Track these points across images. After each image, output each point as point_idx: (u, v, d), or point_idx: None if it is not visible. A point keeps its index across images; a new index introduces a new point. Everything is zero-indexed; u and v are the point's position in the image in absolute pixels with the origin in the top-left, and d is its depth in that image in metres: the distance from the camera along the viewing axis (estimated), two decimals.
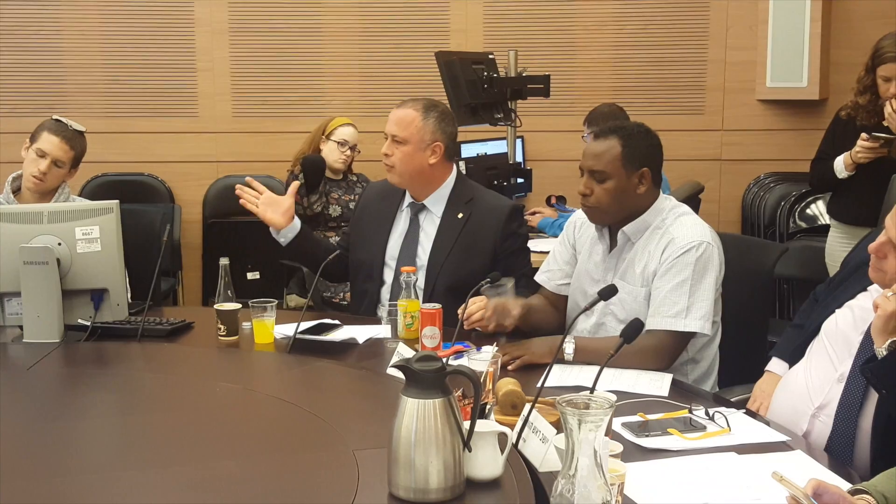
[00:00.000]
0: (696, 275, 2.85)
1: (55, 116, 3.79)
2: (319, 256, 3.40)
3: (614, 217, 2.97)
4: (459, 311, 2.94)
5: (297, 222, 3.50)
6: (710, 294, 2.86)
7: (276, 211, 3.44)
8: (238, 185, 3.48)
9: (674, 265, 2.87)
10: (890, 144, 4.20)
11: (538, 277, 3.26)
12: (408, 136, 3.40)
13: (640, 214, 2.97)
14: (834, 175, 4.41)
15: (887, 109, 4.16)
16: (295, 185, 3.55)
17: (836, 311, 2.57)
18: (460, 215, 3.45)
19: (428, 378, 1.88)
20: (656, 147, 3.01)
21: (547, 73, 4.96)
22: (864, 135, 4.24)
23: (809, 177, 4.70)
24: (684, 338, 2.86)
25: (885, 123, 4.21)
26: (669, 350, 2.84)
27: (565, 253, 3.20)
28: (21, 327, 3.14)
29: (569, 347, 2.82)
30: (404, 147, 3.40)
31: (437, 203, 3.49)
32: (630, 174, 2.92)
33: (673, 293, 2.85)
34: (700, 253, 2.86)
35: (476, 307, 3.05)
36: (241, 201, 3.47)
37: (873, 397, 2.31)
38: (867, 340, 2.36)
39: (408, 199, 3.54)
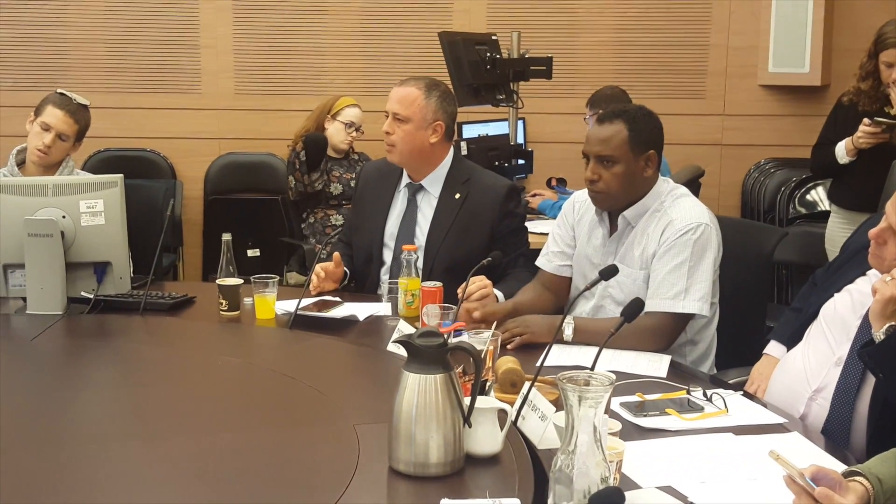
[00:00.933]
0: (695, 256, 2.86)
1: (59, 90, 3.80)
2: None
3: (622, 201, 2.97)
4: (459, 290, 2.96)
5: (346, 279, 3.53)
6: (709, 276, 2.88)
7: (331, 281, 3.43)
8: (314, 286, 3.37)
9: (672, 247, 2.88)
10: (892, 130, 4.21)
11: (538, 261, 3.26)
12: (410, 114, 3.41)
13: (642, 198, 2.98)
14: (835, 160, 4.42)
15: (893, 94, 4.16)
16: (336, 258, 3.46)
17: (835, 295, 2.58)
18: (457, 195, 3.46)
19: (430, 353, 1.90)
20: (659, 129, 3.02)
21: (549, 55, 4.96)
22: (866, 120, 4.25)
23: (810, 162, 4.71)
24: (683, 319, 2.88)
25: (887, 110, 4.22)
26: (668, 331, 2.86)
27: (565, 235, 3.20)
28: (24, 299, 3.16)
29: (568, 329, 2.83)
30: (406, 126, 3.41)
31: (434, 183, 3.50)
32: (637, 157, 2.92)
33: (671, 275, 2.86)
34: (699, 235, 2.88)
35: (476, 286, 3.06)
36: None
37: (870, 381, 2.33)
38: (865, 324, 2.38)
39: (405, 180, 3.55)
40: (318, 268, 3.34)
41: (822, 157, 4.52)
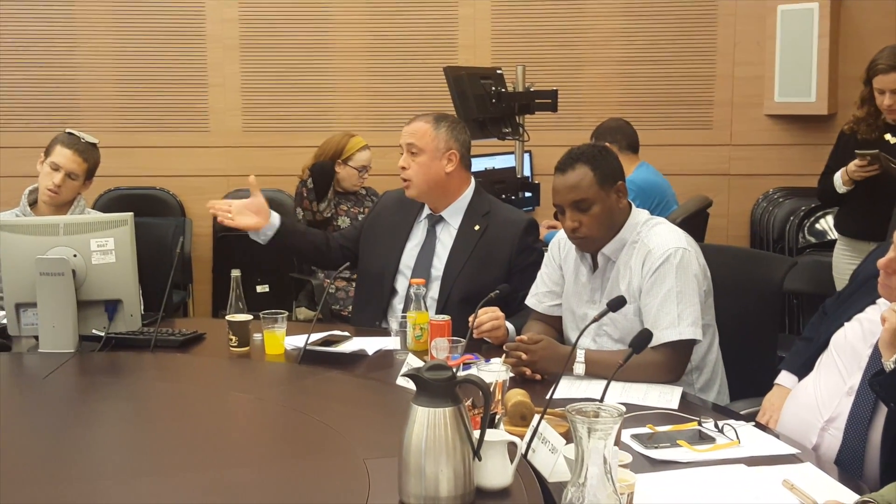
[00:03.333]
0: (679, 282, 2.86)
1: (68, 130, 3.83)
2: (307, 247, 3.52)
3: (605, 240, 2.98)
4: (470, 319, 2.96)
5: (274, 218, 3.53)
6: (695, 299, 2.88)
7: (249, 214, 3.48)
8: (209, 203, 3.49)
9: (655, 277, 2.88)
10: (878, 160, 4.21)
11: (528, 301, 3.26)
12: (423, 145, 3.44)
13: (618, 233, 2.98)
14: (835, 193, 4.44)
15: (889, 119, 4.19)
16: (253, 179, 3.54)
17: (845, 324, 2.58)
18: (477, 227, 3.49)
19: (438, 387, 1.90)
20: (616, 158, 3.04)
21: (555, 88, 4.98)
22: (856, 152, 4.27)
23: (816, 191, 4.72)
24: (686, 346, 2.87)
25: (887, 138, 4.23)
26: (676, 361, 2.86)
27: (553, 274, 3.20)
28: (36, 337, 3.17)
29: (578, 368, 2.83)
30: (420, 157, 3.44)
31: (454, 215, 3.52)
32: (609, 192, 2.93)
33: (663, 305, 2.86)
34: (678, 260, 2.88)
35: (487, 317, 3.07)
36: (218, 219, 3.49)
37: (883, 410, 2.32)
38: (876, 353, 2.37)
39: (426, 211, 3.57)
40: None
41: (825, 186, 4.54)
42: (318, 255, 3.71)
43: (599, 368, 2.78)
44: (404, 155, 3.47)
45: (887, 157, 4.19)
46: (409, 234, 3.57)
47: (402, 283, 3.51)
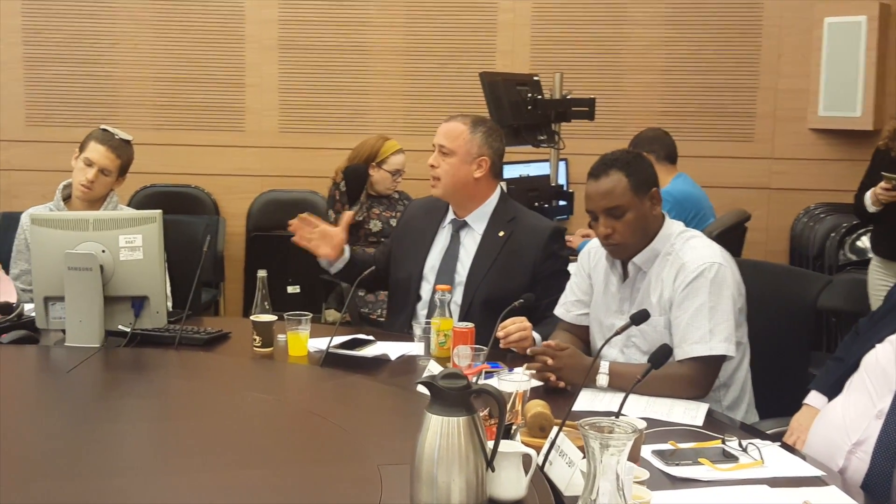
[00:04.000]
0: (713, 297, 2.82)
1: (103, 126, 3.85)
2: (360, 272, 3.41)
3: (640, 247, 2.94)
4: (496, 329, 2.94)
5: (346, 253, 3.55)
6: (730, 315, 2.83)
7: (329, 244, 3.50)
8: (292, 222, 3.51)
9: (688, 291, 2.84)
10: None
11: (557, 310, 3.22)
12: (455, 147, 3.43)
13: (650, 242, 2.94)
14: (867, 211, 4.36)
15: None
16: (348, 216, 3.57)
17: (877, 345, 2.52)
18: (501, 233, 3.46)
19: (452, 396, 1.88)
20: (651, 165, 3.01)
21: (593, 97, 4.94)
22: (883, 174, 4.19)
23: (853, 207, 4.64)
24: (715, 362, 2.83)
25: None
26: (703, 377, 2.81)
27: (582, 283, 3.17)
28: (63, 331, 3.19)
29: (601, 379, 2.79)
30: (450, 159, 3.43)
31: (479, 220, 3.50)
32: (643, 199, 2.90)
33: (694, 319, 2.82)
34: (713, 274, 2.83)
35: (515, 327, 3.04)
36: (295, 238, 3.50)
37: None
38: None
39: (450, 216, 3.56)
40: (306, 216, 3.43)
41: (859, 203, 4.46)
42: (366, 278, 3.59)
43: (623, 381, 2.74)
44: (435, 153, 3.46)
45: None
46: (434, 239, 3.56)
47: (426, 289, 3.50)
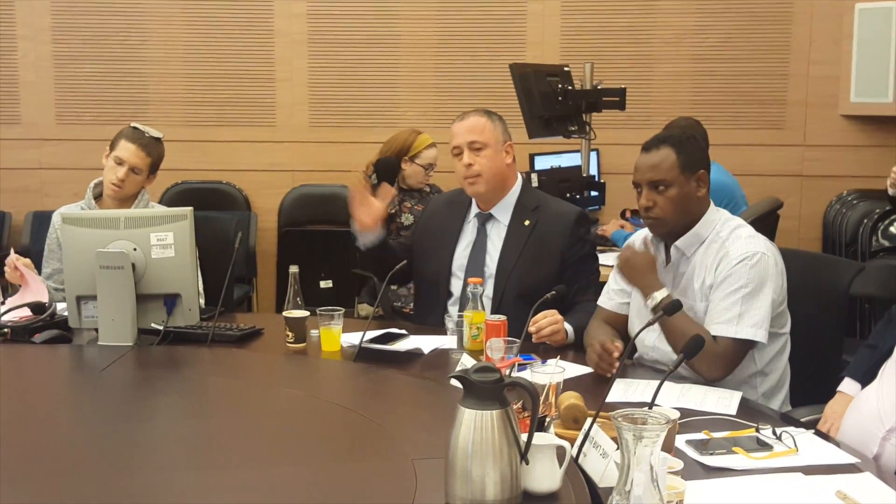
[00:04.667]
0: (752, 283, 2.81)
1: (133, 124, 3.86)
2: (390, 266, 3.41)
3: (678, 226, 2.93)
4: (530, 325, 2.95)
5: (381, 232, 3.54)
6: (766, 303, 2.82)
7: (367, 212, 3.48)
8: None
9: (728, 276, 2.83)
10: None
11: (600, 300, 3.22)
12: (486, 139, 3.43)
13: (695, 224, 2.93)
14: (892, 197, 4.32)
15: None
16: (388, 190, 3.56)
17: None
18: (527, 223, 3.45)
19: (485, 389, 1.87)
20: (704, 149, 3.03)
21: (623, 86, 4.92)
22: None
23: (887, 194, 4.60)
24: (741, 346, 2.81)
25: None
26: (725, 357, 2.79)
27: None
28: (96, 330, 3.21)
29: (660, 294, 2.84)
30: (485, 151, 3.42)
31: (503, 211, 3.49)
32: (689, 179, 2.90)
33: (725, 301, 2.82)
34: (754, 263, 2.82)
35: (547, 321, 3.05)
36: (351, 191, 3.51)
37: None
38: None
39: (474, 210, 3.55)
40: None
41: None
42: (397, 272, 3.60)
43: (672, 329, 2.79)
44: (466, 153, 3.43)
45: None
46: (460, 235, 3.55)
47: (456, 286, 3.49)
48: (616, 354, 2.82)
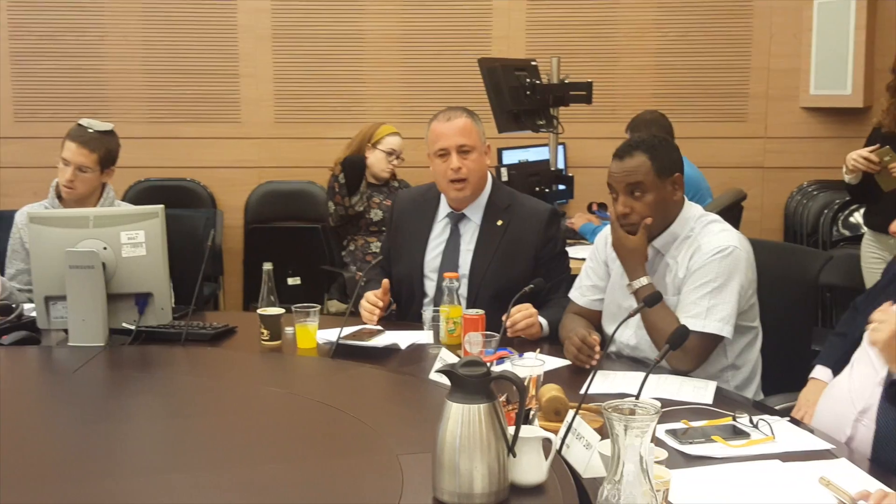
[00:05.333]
0: (720, 277, 2.83)
1: (80, 121, 3.79)
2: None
3: (657, 230, 2.95)
4: (504, 318, 2.95)
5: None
6: (734, 298, 2.84)
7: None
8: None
9: (699, 269, 2.86)
10: (885, 155, 4.13)
11: (572, 294, 3.24)
12: (473, 142, 3.39)
13: (670, 226, 2.96)
14: (849, 185, 4.38)
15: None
16: (386, 284, 3.42)
17: None
18: (500, 222, 3.45)
19: (473, 383, 1.88)
20: (676, 150, 3.02)
21: (589, 80, 4.95)
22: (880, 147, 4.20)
23: (845, 184, 4.65)
24: (707, 340, 2.84)
25: None
26: (693, 350, 2.80)
27: (598, 269, 3.17)
28: (66, 331, 3.16)
29: (642, 280, 2.86)
30: (473, 154, 3.39)
31: (476, 211, 3.48)
32: (664, 182, 2.91)
33: (695, 294, 2.84)
34: (725, 257, 2.85)
35: (521, 315, 3.06)
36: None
37: None
38: None
39: (444, 210, 3.53)
40: (372, 297, 3.32)
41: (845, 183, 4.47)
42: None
43: (651, 318, 2.82)
44: (454, 156, 3.37)
45: (886, 154, 4.12)
46: (429, 235, 3.52)
47: (430, 287, 3.48)
48: (598, 347, 2.84)
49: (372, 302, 3.32)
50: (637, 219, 2.91)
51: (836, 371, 2.66)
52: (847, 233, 5.73)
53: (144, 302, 3.19)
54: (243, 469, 2.13)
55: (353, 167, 4.92)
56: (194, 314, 3.30)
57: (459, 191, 3.41)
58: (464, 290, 3.39)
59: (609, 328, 3.06)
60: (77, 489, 2.02)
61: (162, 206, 3.23)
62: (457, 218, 3.50)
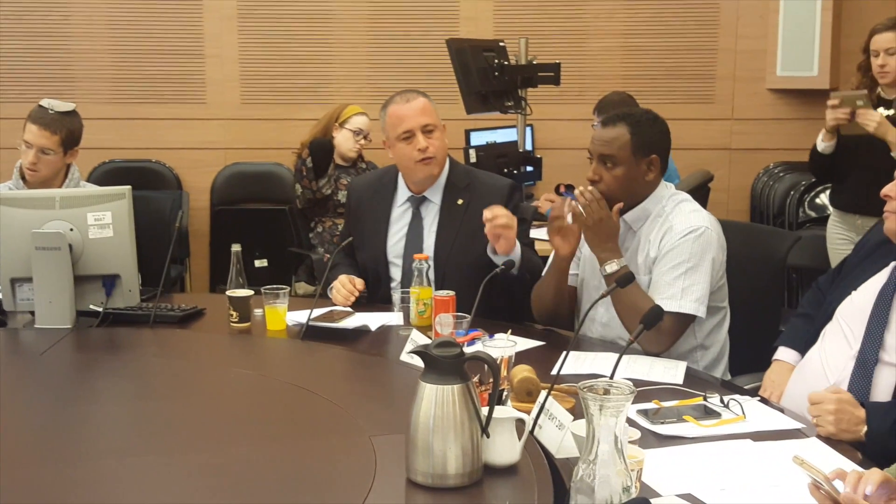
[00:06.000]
0: (693, 258, 2.85)
1: (41, 102, 3.74)
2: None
3: (619, 202, 2.94)
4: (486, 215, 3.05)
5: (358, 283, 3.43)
6: (706, 278, 2.86)
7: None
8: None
9: (671, 250, 2.87)
10: (849, 103, 4.19)
11: (545, 273, 3.23)
12: (436, 121, 3.40)
13: (642, 202, 2.96)
14: (820, 155, 4.41)
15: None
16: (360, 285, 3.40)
17: (853, 293, 2.57)
18: (460, 202, 3.43)
19: (447, 364, 1.88)
20: (665, 134, 3.01)
21: (557, 62, 4.94)
22: (831, 94, 4.25)
23: (808, 165, 4.68)
24: (682, 320, 2.85)
25: (882, 112, 4.20)
26: (666, 331, 2.81)
27: None
28: (32, 313, 3.13)
29: (612, 266, 2.85)
30: (436, 133, 3.40)
31: (435, 192, 3.46)
32: (639, 161, 2.92)
33: (667, 275, 2.85)
34: (697, 237, 2.86)
35: (505, 213, 3.12)
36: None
37: (883, 370, 2.35)
38: (875, 315, 2.40)
39: (404, 193, 3.50)
40: (348, 283, 3.31)
41: (814, 156, 4.50)
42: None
43: (624, 298, 2.80)
44: (420, 136, 3.36)
45: (861, 97, 4.17)
46: (389, 220, 3.49)
47: (396, 273, 3.45)
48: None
49: (348, 289, 3.30)
50: (603, 188, 2.91)
51: (801, 351, 2.69)
52: (813, 214, 5.77)
53: (112, 284, 3.16)
54: (213, 451, 2.12)
55: (321, 150, 4.89)
56: (162, 296, 3.29)
57: (428, 166, 3.40)
58: (431, 273, 3.37)
59: (586, 305, 3.06)
60: (45, 472, 2.00)
61: (129, 187, 3.21)
62: (417, 201, 3.47)
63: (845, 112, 4.21)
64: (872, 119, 4.15)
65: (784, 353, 2.79)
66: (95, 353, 2.95)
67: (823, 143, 4.37)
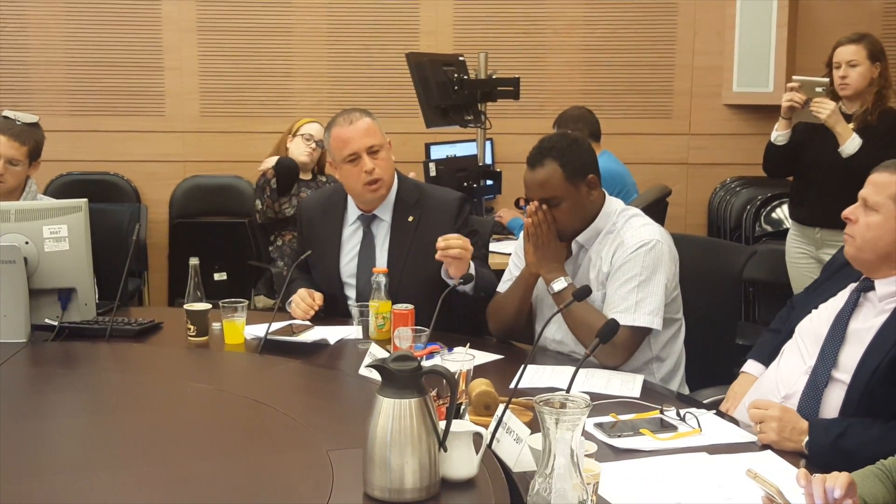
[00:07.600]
0: (646, 271, 2.86)
1: (4, 113, 3.71)
2: None
3: (578, 231, 2.98)
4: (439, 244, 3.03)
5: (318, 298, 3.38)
6: (660, 290, 2.88)
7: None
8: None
9: (623, 265, 2.88)
10: (806, 91, 4.28)
11: (500, 288, 3.23)
12: (381, 141, 3.34)
13: (592, 221, 2.98)
14: (774, 147, 4.46)
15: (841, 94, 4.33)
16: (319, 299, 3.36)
17: (813, 311, 2.60)
18: (411, 218, 3.40)
19: (404, 378, 1.88)
20: (588, 149, 3.00)
21: (517, 76, 4.97)
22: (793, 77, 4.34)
23: (763, 166, 4.73)
24: (637, 333, 2.86)
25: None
26: (622, 345, 2.82)
27: (522, 263, 3.18)
28: None
29: (559, 284, 2.87)
30: (381, 153, 3.33)
31: (385, 210, 3.42)
32: (579, 187, 2.92)
33: (621, 289, 2.86)
34: (649, 250, 2.88)
35: (457, 239, 3.08)
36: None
37: (835, 383, 2.37)
38: (834, 331, 2.43)
39: (354, 213, 3.46)
40: (308, 298, 3.28)
41: (768, 155, 4.57)
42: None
43: (577, 315, 2.82)
44: (366, 158, 3.30)
45: (821, 84, 4.24)
46: (341, 241, 3.46)
47: (350, 291, 3.43)
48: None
49: (308, 303, 3.28)
50: (558, 227, 2.93)
51: (767, 365, 2.71)
52: (769, 228, 5.84)
53: (67, 297, 3.15)
54: (170, 466, 2.11)
55: (287, 173, 4.85)
56: (119, 310, 3.26)
57: (376, 191, 3.35)
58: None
59: (541, 323, 3.08)
60: (1, 488, 1.97)
61: (85, 199, 3.19)
62: (368, 220, 3.43)
63: (801, 97, 4.28)
64: (826, 108, 4.21)
65: (751, 366, 2.81)
66: (51, 367, 2.92)
67: (777, 133, 4.43)
